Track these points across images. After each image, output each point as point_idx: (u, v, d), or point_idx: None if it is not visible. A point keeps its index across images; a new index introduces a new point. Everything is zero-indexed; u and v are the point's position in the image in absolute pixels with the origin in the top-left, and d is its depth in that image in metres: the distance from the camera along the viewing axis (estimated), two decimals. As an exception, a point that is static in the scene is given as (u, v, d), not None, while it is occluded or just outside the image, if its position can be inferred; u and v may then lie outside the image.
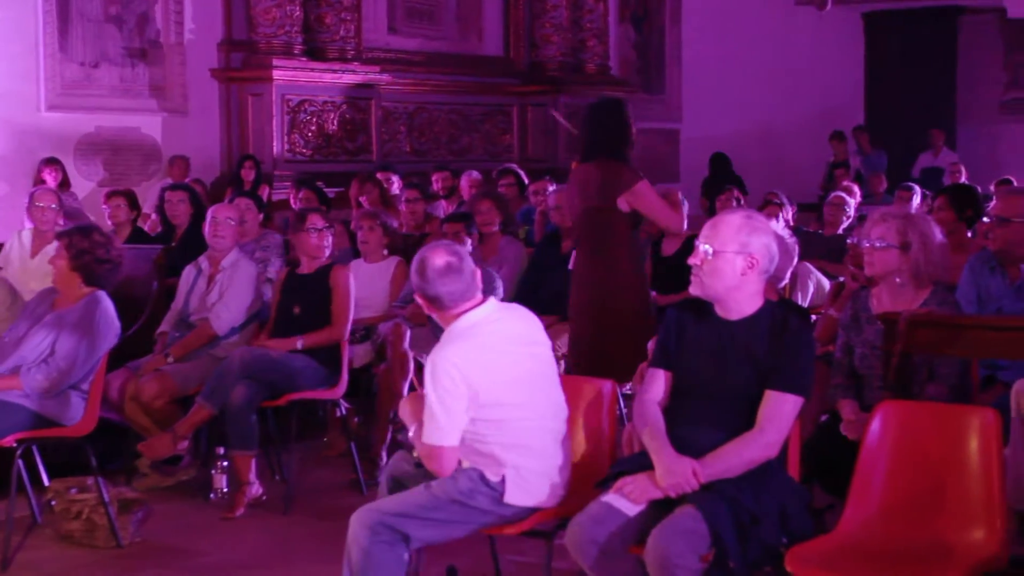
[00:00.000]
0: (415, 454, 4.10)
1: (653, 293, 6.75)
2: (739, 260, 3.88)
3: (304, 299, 6.33)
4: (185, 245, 7.71)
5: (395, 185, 10.70)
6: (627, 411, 6.42)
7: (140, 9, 12.08)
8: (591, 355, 6.07)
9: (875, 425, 3.98)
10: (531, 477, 4.02)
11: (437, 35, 14.57)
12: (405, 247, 7.58)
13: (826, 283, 7.40)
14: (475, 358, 3.94)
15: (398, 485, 4.17)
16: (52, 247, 5.94)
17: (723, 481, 3.75)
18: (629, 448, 4.29)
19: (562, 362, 6.72)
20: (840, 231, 8.90)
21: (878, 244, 4.61)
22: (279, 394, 6.03)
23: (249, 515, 5.88)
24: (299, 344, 6.17)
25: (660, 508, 3.76)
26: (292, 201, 9.95)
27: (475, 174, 10.93)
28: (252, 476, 5.97)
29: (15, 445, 5.23)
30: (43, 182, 10.38)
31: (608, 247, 6.04)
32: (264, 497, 6.03)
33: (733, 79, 17.10)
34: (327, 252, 6.49)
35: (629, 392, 5.82)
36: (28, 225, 7.76)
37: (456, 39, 14.80)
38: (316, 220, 6.43)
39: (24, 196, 8.20)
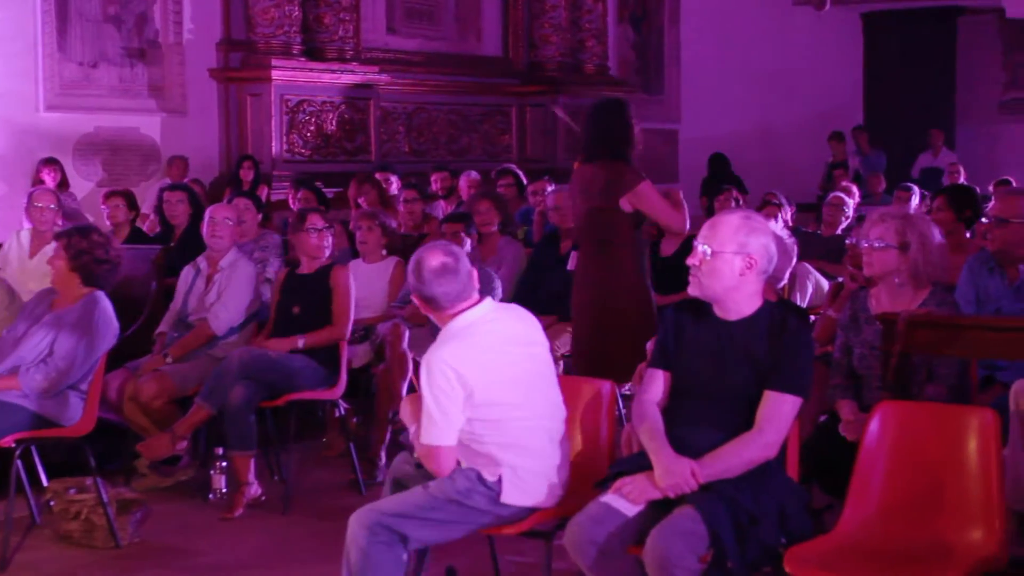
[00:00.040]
0: (416, 455, 4.11)
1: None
2: (737, 260, 3.88)
3: (304, 299, 6.33)
4: (184, 245, 7.71)
5: (394, 185, 10.70)
6: (626, 411, 6.43)
7: (139, 9, 12.08)
8: (591, 355, 6.07)
9: (874, 425, 3.98)
10: (528, 477, 4.02)
11: (436, 35, 14.57)
12: (404, 247, 7.58)
13: (825, 283, 7.41)
14: (470, 357, 3.95)
15: (400, 487, 4.18)
16: (51, 247, 5.93)
17: (722, 481, 3.75)
18: (628, 448, 4.29)
19: (561, 362, 6.73)
20: (839, 231, 8.90)
21: (877, 244, 4.61)
22: (278, 394, 6.03)
23: (248, 515, 5.88)
24: (301, 343, 6.17)
25: (659, 508, 3.76)
26: (291, 201, 9.96)
27: (474, 174, 10.93)
28: (251, 476, 5.97)
29: (14, 445, 5.23)
30: (42, 182, 10.38)
31: (611, 247, 6.05)
32: (263, 497, 6.03)
33: (732, 79, 17.11)
34: (327, 252, 6.49)
35: (628, 392, 5.82)
36: (27, 225, 7.75)
37: (455, 39, 14.80)
38: (316, 220, 6.43)
39: (23, 196, 8.20)
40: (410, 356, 6.48)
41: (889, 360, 4.32)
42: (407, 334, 6.53)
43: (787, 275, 5.45)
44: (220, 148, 12.65)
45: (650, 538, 3.65)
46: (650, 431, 3.90)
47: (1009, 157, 17.36)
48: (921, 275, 4.58)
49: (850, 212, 9.27)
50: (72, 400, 5.41)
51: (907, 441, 3.94)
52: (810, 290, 7.46)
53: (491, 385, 3.95)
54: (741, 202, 9.54)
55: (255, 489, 6.00)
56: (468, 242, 7.06)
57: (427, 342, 5.54)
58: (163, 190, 8.78)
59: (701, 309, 4.01)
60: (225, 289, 6.43)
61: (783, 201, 9.27)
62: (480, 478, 4.01)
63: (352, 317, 6.34)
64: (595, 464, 4.29)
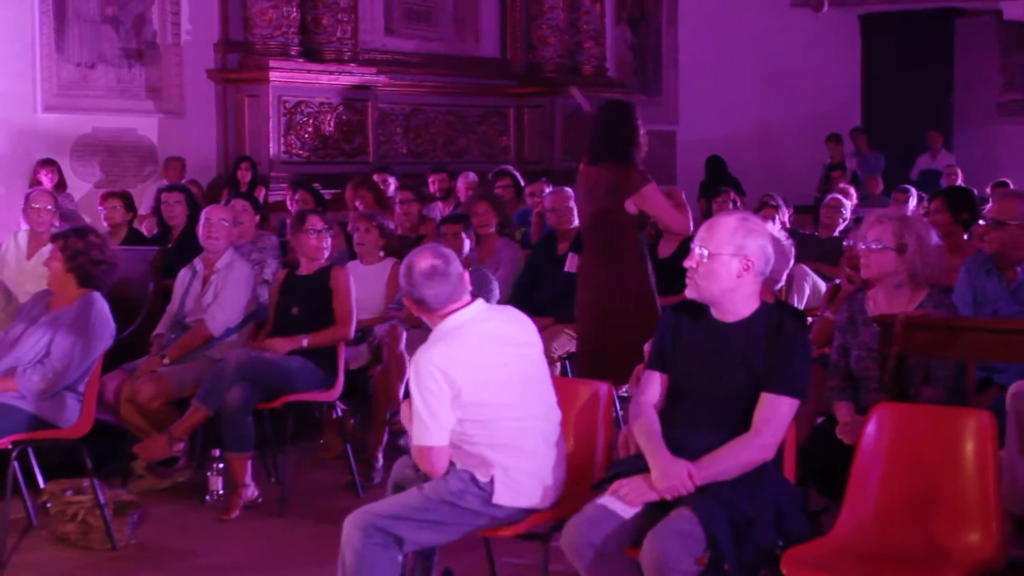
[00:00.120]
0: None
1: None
2: (735, 262, 3.88)
3: (303, 300, 6.33)
4: (181, 246, 7.70)
5: (391, 187, 10.69)
6: (623, 413, 6.43)
7: (137, 10, 12.07)
8: (592, 355, 6.10)
9: (871, 427, 3.98)
10: (520, 477, 4.02)
11: (434, 36, 14.57)
12: (402, 249, 7.58)
13: (822, 285, 7.40)
14: (458, 358, 3.95)
15: (399, 490, 4.19)
16: (48, 249, 5.93)
17: (719, 483, 3.75)
18: (625, 450, 4.28)
19: (557, 364, 6.74)
20: (836, 233, 8.89)
21: (874, 246, 4.61)
22: (275, 396, 6.02)
23: (245, 517, 5.87)
24: (305, 343, 6.17)
25: (656, 510, 3.76)
26: (288, 203, 9.94)
27: (471, 176, 10.92)
28: (248, 478, 5.96)
29: (11, 447, 5.23)
30: (39, 183, 10.37)
31: (615, 249, 6.07)
32: (260, 499, 6.02)
33: (730, 81, 17.10)
34: (326, 253, 6.50)
35: (625, 394, 5.82)
36: (24, 227, 7.74)
37: (453, 40, 14.80)
38: (315, 221, 6.44)
39: (20, 197, 8.18)
40: (407, 358, 6.47)
41: (886, 362, 4.32)
42: (404, 335, 6.53)
43: (784, 277, 5.45)
44: (218, 149, 12.64)
45: (647, 540, 3.64)
46: (647, 433, 3.90)
47: (1007, 159, 17.36)
48: (918, 277, 4.58)
49: (848, 214, 9.26)
50: (69, 401, 5.41)
51: (904, 443, 3.94)
52: (807, 292, 7.45)
53: (480, 385, 3.96)
54: (739, 204, 9.53)
55: (252, 491, 5.99)
56: (468, 242, 7.06)
57: (424, 344, 5.55)
58: (160, 191, 8.78)
59: (698, 311, 4.01)
60: (221, 290, 6.43)
61: (780, 203, 9.27)
62: (473, 479, 4.01)
63: (355, 317, 6.34)
64: (592, 466, 4.29)
